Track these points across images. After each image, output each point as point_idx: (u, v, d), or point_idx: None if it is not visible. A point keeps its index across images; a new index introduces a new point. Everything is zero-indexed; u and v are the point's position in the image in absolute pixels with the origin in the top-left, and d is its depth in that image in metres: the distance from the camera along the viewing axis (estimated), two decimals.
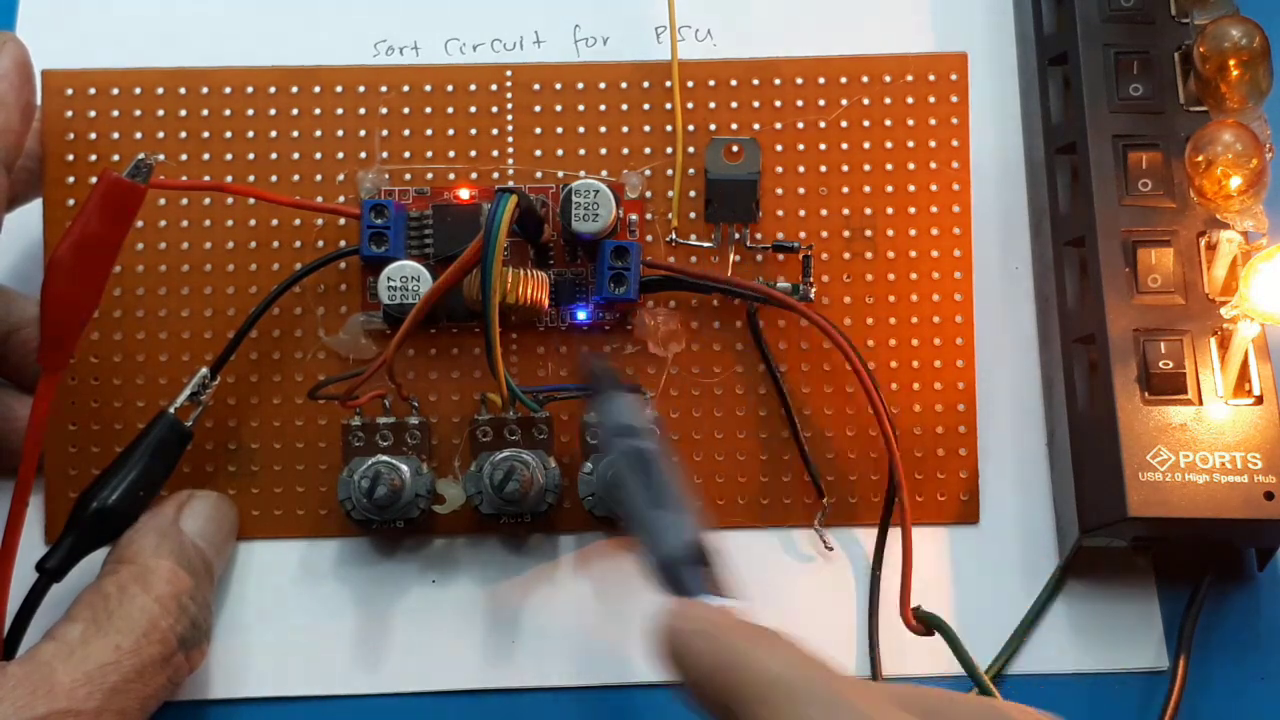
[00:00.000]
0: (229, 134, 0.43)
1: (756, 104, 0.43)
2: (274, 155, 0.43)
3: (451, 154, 0.43)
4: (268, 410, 0.42)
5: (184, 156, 0.42)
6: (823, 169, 0.43)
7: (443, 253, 0.42)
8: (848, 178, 0.43)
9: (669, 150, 0.42)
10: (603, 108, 0.43)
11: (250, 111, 0.43)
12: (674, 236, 0.42)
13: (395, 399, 0.41)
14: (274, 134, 0.43)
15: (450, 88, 0.43)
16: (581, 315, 0.42)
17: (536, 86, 0.43)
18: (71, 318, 0.37)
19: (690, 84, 0.43)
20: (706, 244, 0.42)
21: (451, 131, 0.43)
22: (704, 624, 0.32)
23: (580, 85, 0.43)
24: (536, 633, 0.41)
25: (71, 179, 0.42)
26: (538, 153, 0.43)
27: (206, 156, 0.43)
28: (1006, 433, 0.43)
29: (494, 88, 0.43)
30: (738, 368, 0.42)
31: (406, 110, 0.43)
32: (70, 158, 0.42)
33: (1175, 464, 0.38)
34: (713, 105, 0.43)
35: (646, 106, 0.43)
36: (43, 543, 0.41)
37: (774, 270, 0.42)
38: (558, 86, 0.43)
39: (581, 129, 0.43)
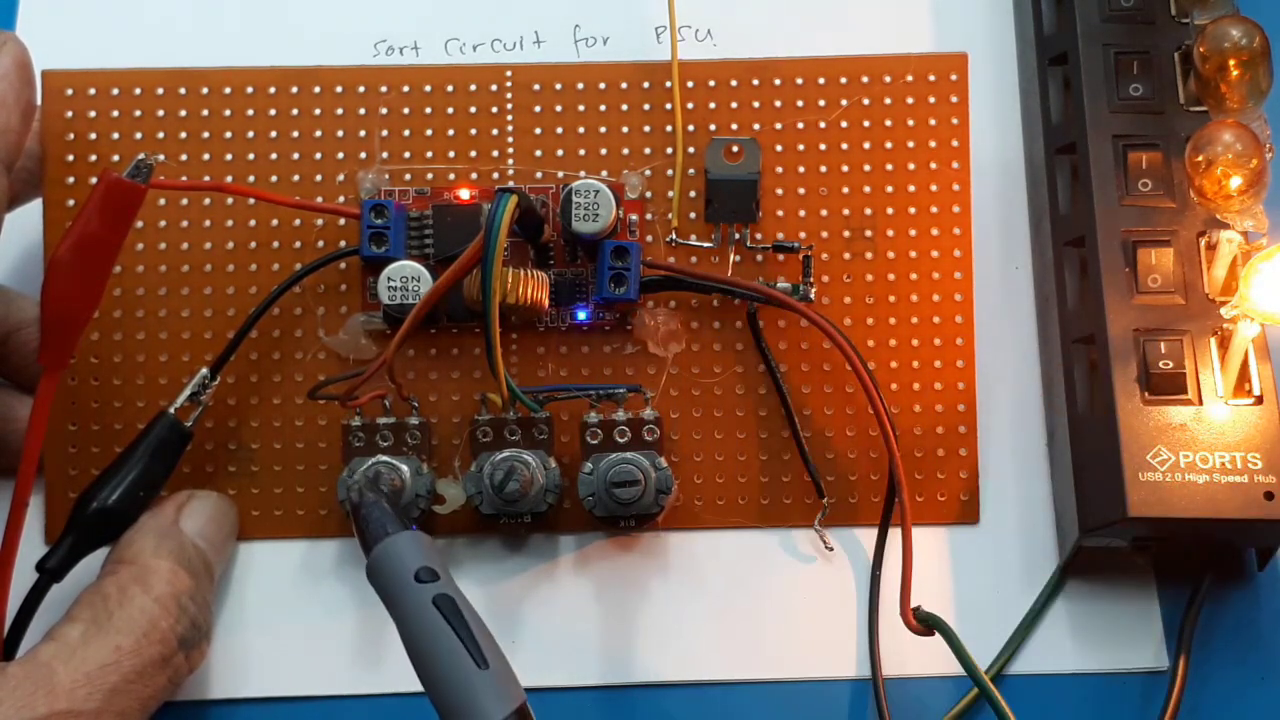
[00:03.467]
0: (229, 134, 0.43)
1: (756, 104, 0.43)
2: (274, 155, 0.43)
3: (451, 154, 0.43)
4: (268, 410, 0.42)
5: (184, 156, 0.42)
6: (823, 169, 0.43)
7: (443, 253, 0.42)
8: (848, 178, 0.43)
9: (669, 150, 0.42)
10: (603, 108, 0.43)
11: (250, 111, 0.43)
12: (674, 236, 0.42)
13: (395, 399, 0.41)
14: (274, 134, 0.43)
15: (450, 88, 0.43)
16: (581, 315, 0.42)
17: (536, 86, 0.43)
18: (71, 318, 0.37)
19: (690, 84, 0.43)
20: (706, 244, 0.42)
21: (451, 131, 0.43)
22: None
23: (580, 85, 0.43)
24: (536, 633, 0.41)
25: (71, 179, 0.42)
26: (538, 153, 0.43)
27: (206, 156, 0.42)
28: (1006, 433, 0.43)
29: (494, 88, 0.43)
30: (738, 368, 0.42)
31: (406, 110, 0.43)
32: (70, 158, 0.42)
33: (1175, 464, 0.38)
34: (713, 105, 0.43)
35: (646, 106, 0.43)
36: (43, 543, 0.41)
37: (774, 270, 0.42)
38: (558, 86, 0.43)
39: (581, 129, 0.43)
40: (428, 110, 0.43)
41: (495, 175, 0.43)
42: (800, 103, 0.43)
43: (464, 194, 0.42)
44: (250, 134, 0.43)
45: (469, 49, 0.47)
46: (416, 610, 0.32)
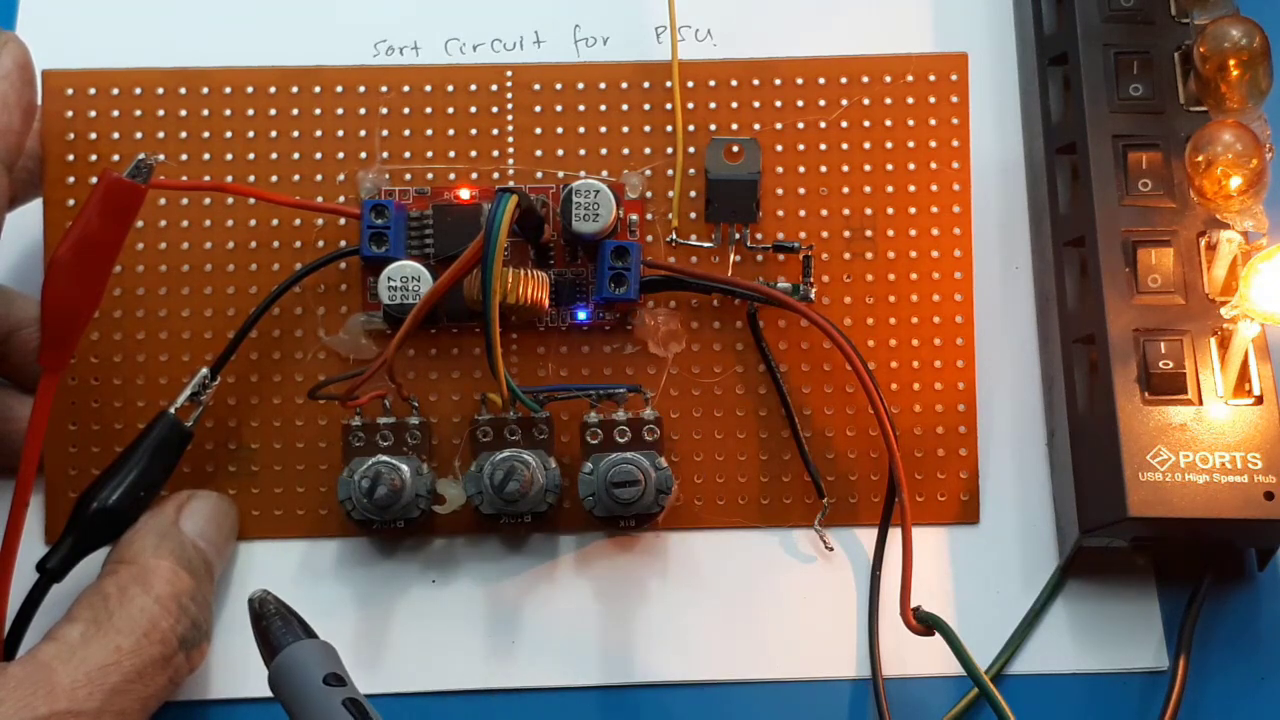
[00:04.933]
0: (229, 134, 0.43)
1: (756, 104, 0.43)
2: (274, 155, 0.43)
3: (452, 154, 0.43)
4: (268, 410, 0.42)
5: (184, 156, 0.42)
6: (823, 169, 0.43)
7: (443, 253, 0.42)
8: (848, 178, 0.43)
9: (669, 150, 0.42)
10: (603, 108, 0.43)
11: (250, 111, 0.43)
12: (674, 236, 0.42)
13: (395, 399, 0.41)
14: (274, 134, 0.43)
15: (450, 88, 0.43)
16: (581, 315, 0.42)
17: (536, 86, 0.43)
18: (71, 318, 0.37)
19: (690, 84, 0.43)
20: (707, 244, 0.42)
21: (451, 131, 0.43)
22: None
23: (580, 85, 0.43)
24: (536, 633, 0.41)
25: (71, 179, 0.42)
26: (538, 153, 0.43)
27: (206, 156, 0.42)
28: (1006, 433, 0.43)
29: (494, 88, 0.43)
30: (738, 368, 0.42)
31: (406, 110, 0.43)
32: (70, 158, 0.42)
33: (1175, 464, 0.38)
34: (713, 105, 0.43)
35: (646, 106, 0.43)
36: (43, 543, 0.41)
37: (774, 270, 0.42)
38: (558, 86, 0.43)
39: (581, 129, 0.43)
40: (428, 110, 0.43)
41: (495, 175, 0.43)
42: (800, 103, 0.43)
43: (464, 194, 0.42)
44: (250, 134, 0.43)
45: (469, 49, 0.47)
46: (326, 714, 0.32)
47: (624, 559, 0.42)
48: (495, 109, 0.43)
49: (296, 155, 0.43)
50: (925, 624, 0.39)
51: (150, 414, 0.40)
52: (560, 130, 0.43)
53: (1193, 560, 0.41)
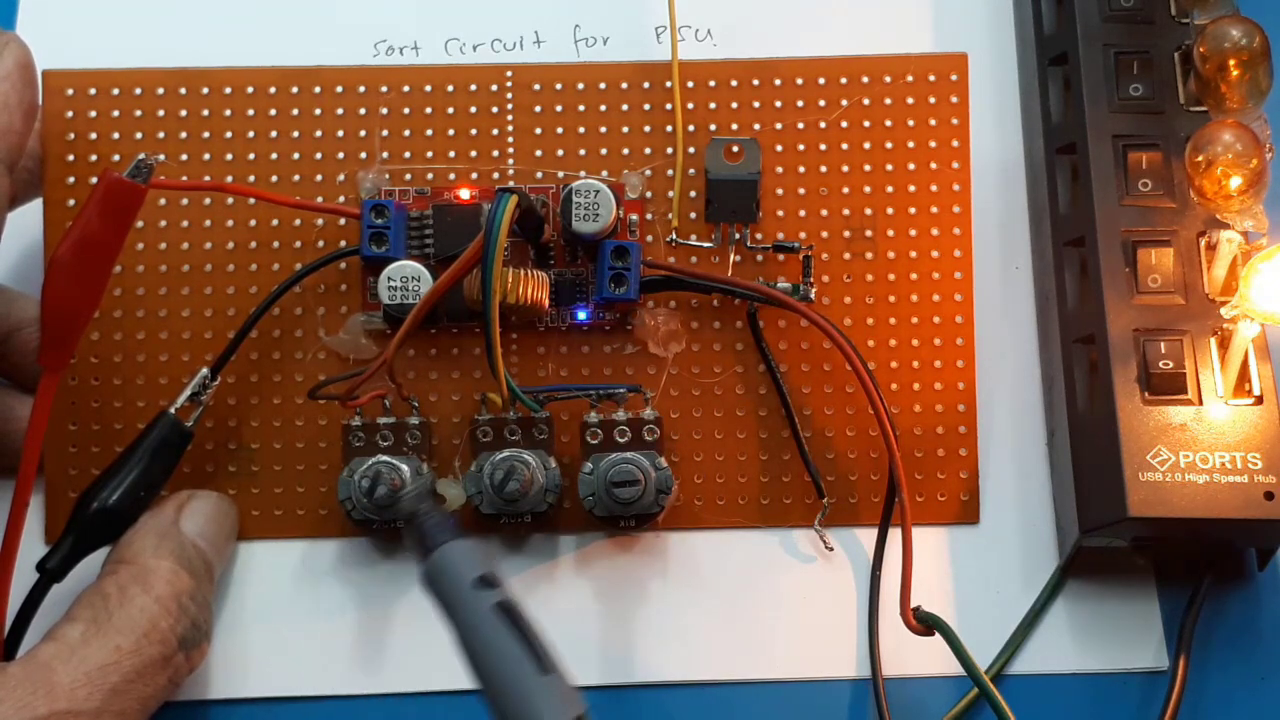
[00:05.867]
0: (229, 134, 0.43)
1: (756, 104, 0.43)
2: (274, 155, 0.43)
3: (452, 154, 0.43)
4: (268, 410, 0.42)
5: (184, 156, 0.42)
6: (823, 169, 0.43)
7: (443, 253, 0.42)
8: (848, 178, 0.43)
9: (669, 150, 0.42)
10: (603, 108, 0.43)
11: (250, 111, 0.43)
12: (674, 236, 0.42)
13: (395, 399, 0.41)
14: (274, 134, 0.43)
15: (450, 88, 0.43)
16: (581, 315, 0.42)
17: (536, 86, 0.43)
18: (72, 318, 0.37)
19: (690, 84, 0.43)
20: (706, 244, 0.42)
21: (451, 131, 0.43)
22: None
23: (580, 85, 0.43)
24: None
25: (71, 179, 0.42)
26: (538, 153, 0.43)
27: (207, 156, 0.42)
28: (1006, 433, 0.43)
29: (494, 88, 0.43)
30: (738, 368, 0.42)
31: (406, 110, 0.43)
32: (70, 158, 0.42)
33: (1175, 464, 0.38)
34: (713, 105, 0.43)
35: (646, 106, 0.43)
36: (43, 543, 0.41)
37: (774, 270, 0.42)
38: (558, 86, 0.43)
39: (581, 129, 0.43)
40: (428, 110, 0.43)
41: (495, 175, 0.43)
42: (800, 103, 0.43)
43: (464, 194, 0.42)
44: (250, 134, 0.43)
45: (469, 49, 0.47)
46: (476, 617, 0.32)
47: (624, 559, 0.42)
48: (495, 109, 0.43)
49: (296, 155, 0.43)
50: (925, 624, 0.39)
51: (150, 414, 0.40)
52: (560, 130, 0.43)
53: (1193, 560, 0.41)
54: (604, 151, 0.43)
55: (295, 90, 0.43)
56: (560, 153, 0.43)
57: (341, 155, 0.43)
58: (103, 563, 0.39)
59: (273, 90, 0.43)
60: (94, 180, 0.37)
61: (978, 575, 0.42)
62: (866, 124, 0.43)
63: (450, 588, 0.33)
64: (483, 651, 0.32)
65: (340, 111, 0.43)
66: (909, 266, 0.42)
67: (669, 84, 0.42)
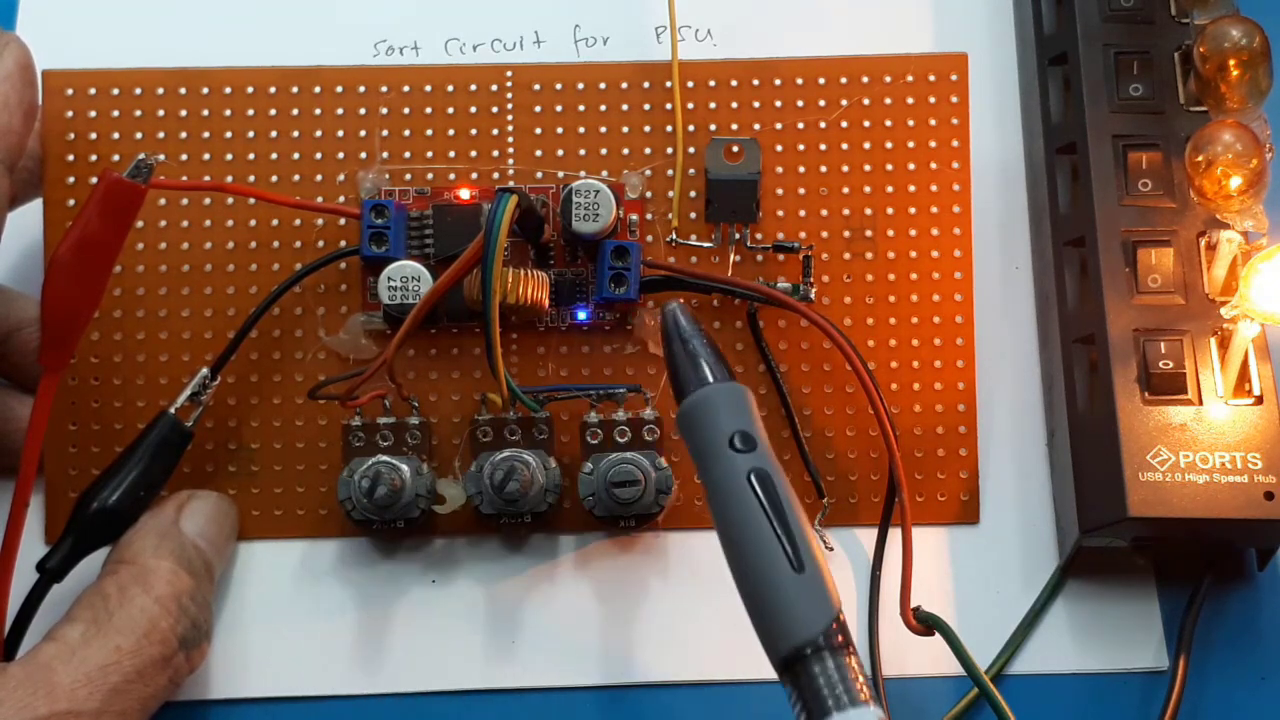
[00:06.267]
0: (229, 134, 0.43)
1: (756, 104, 0.43)
2: (274, 155, 0.43)
3: (451, 154, 0.43)
4: (268, 410, 0.42)
5: (184, 156, 0.42)
6: (823, 169, 0.43)
7: (443, 253, 0.42)
8: (848, 178, 0.43)
9: (669, 150, 0.42)
10: (603, 108, 0.43)
11: (250, 111, 0.43)
12: (674, 236, 0.42)
13: (395, 399, 0.41)
14: (274, 134, 0.43)
15: (450, 88, 0.43)
16: (581, 315, 0.42)
17: (536, 86, 0.43)
18: (72, 318, 0.37)
19: (690, 84, 0.43)
20: (706, 244, 0.42)
21: (451, 131, 0.43)
22: None
23: (580, 85, 0.43)
24: (536, 633, 0.41)
25: (71, 179, 0.42)
26: (538, 153, 0.43)
27: (206, 156, 0.42)
28: (1006, 433, 0.43)
29: (494, 88, 0.43)
30: (738, 368, 0.42)
31: (406, 110, 0.43)
32: (70, 158, 0.42)
33: (1175, 464, 0.38)
34: (713, 105, 0.43)
35: (646, 106, 0.43)
36: (43, 543, 0.41)
37: (774, 270, 0.42)
38: (558, 86, 0.43)
39: (581, 129, 0.43)
40: (428, 110, 0.43)
41: (495, 175, 0.43)
42: (800, 103, 0.43)
43: (464, 194, 0.42)
44: (250, 134, 0.43)
45: (469, 49, 0.47)
46: (728, 481, 0.29)
47: (624, 559, 0.42)
48: (495, 109, 0.43)
49: (296, 155, 0.43)
50: (925, 624, 0.39)
51: (150, 414, 0.40)
52: (560, 130, 0.43)
53: (1193, 560, 0.41)
54: (604, 151, 0.43)
55: (295, 90, 0.43)
56: (560, 153, 0.43)
57: (341, 155, 0.43)
58: (103, 563, 0.39)
59: (273, 90, 0.43)
60: (94, 180, 0.37)
61: (978, 575, 0.42)
62: (866, 124, 0.43)
63: (704, 444, 0.30)
64: (730, 525, 0.29)
65: (340, 111, 0.43)
66: (909, 266, 0.42)
67: (669, 84, 0.42)
